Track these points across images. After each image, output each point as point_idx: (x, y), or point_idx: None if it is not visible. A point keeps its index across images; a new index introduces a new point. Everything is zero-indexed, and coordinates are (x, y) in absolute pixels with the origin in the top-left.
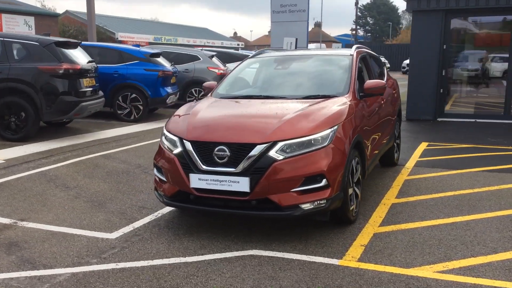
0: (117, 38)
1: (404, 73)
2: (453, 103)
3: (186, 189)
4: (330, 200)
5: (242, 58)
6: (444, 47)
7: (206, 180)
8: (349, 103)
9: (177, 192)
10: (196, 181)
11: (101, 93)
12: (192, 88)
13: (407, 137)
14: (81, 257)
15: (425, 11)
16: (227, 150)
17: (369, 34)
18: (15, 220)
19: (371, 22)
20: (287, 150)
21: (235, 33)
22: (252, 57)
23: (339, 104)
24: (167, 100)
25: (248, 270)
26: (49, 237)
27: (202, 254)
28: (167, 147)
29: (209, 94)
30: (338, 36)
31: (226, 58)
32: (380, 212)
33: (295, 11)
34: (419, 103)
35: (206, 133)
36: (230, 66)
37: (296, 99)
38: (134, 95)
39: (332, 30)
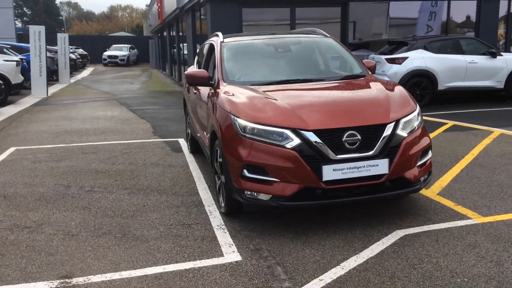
0: None
1: (105, 65)
2: None
3: (313, 184)
4: (431, 171)
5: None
6: None
7: (342, 169)
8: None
9: (301, 190)
10: (330, 172)
11: None
12: None
13: None
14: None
15: (223, 1)
16: (357, 134)
17: (27, 26)
18: (61, 281)
19: (29, 13)
20: (405, 127)
21: None
22: (224, 42)
23: (391, 82)
24: None
25: (438, 246)
26: (170, 281)
27: (366, 247)
28: (268, 142)
29: (223, 82)
30: None
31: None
32: None
33: None
34: None
35: (330, 119)
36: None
37: (337, 80)
38: None
39: None
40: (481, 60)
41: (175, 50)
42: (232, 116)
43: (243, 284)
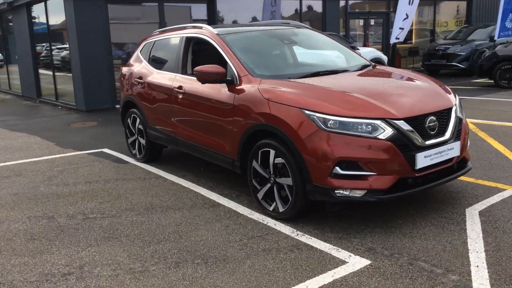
0: None
1: None
2: None
3: (408, 173)
4: None
5: None
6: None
7: (430, 156)
8: None
9: (397, 181)
10: (422, 160)
11: None
12: None
13: None
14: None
15: None
16: (435, 120)
17: None
18: None
19: None
20: (459, 110)
21: None
22: (221, 34)
23: (417, 72)
24: None
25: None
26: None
27: (464, 229)
28: (356, 134)
29: (251, 78)
30: None
31: None
32: None
33: None
34: (98, 93)
35: (414, 107)
36: None
37: (361, 70)
38: None
39: None
40: None
41: None
42: (307, 111)
43: (408, 284)
